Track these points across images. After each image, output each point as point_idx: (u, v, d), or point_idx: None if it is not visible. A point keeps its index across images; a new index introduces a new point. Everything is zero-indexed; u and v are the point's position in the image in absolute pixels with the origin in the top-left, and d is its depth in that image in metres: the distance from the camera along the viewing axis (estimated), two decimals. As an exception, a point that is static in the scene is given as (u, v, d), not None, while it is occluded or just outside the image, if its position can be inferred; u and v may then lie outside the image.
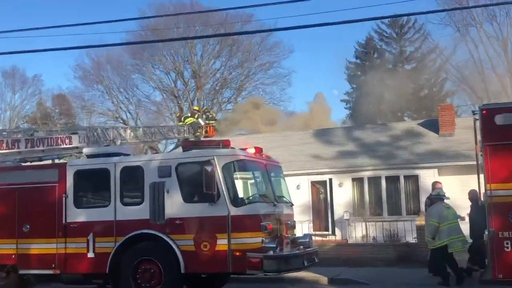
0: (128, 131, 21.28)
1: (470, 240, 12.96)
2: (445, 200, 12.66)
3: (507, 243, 9.90)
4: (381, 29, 47.59)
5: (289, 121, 37.93)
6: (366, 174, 21.58)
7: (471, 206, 13.07)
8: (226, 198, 10.67)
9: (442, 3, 38.92)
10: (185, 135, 25.97)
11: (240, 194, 10.91)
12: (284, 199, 12.57)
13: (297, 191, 21.57)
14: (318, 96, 42.81)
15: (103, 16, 61.21)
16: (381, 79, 45.34)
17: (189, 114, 28.21)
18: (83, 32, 56.54)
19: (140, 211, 11.28)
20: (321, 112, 37.81)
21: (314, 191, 22.52)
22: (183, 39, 43.47)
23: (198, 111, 29.28)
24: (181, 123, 27.03)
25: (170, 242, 10.87)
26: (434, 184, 14.07)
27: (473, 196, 13.03)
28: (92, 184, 12.23)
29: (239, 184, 11.02)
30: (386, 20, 46.61)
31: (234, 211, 10.61)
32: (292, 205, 12.89)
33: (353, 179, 21.80)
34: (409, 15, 39.44)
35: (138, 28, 42.98)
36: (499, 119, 10.09)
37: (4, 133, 15.75)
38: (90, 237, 11.56)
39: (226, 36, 42.24)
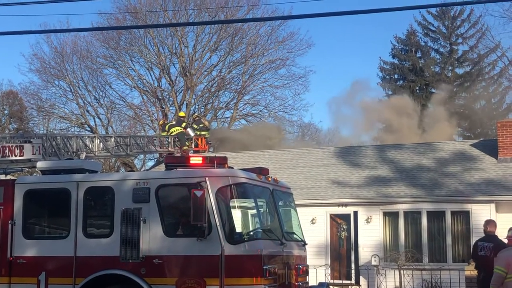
0: (96, 141, 21.38)
1: None
2: None
3: None
4: (426, 20, 47.81)
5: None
6: (402, 207, 21.52)
7: None
8: (219, 232, 10.66)
9: (506, -10, 39.00)
10: (169, 148, 26.05)
11: (238, 227, 10.91)
12: (295, 236, 12.54)
13: (312, 227, 21.53)
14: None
15: (69, -7, 61.57)
16: (425, 85, 45.47)
17: (174, 122, 28.31)
18: (43, 13, 57.02)
19: (108, 246, 11.28)
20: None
21: (334, 228, 22.46)
22: (171, 25, 43.64)
23: (184, 117, 29.39)
24: (164, 133, 27.11)
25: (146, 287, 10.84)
26: (487, 223, 13.97)
27: None
28: (47, 209, 12.24)
29: (236, 215, 11.02)
30: (433, 10, 46.85)
31: (229, 249, 10.60)
32: (305, 244, 12.86)
33: (385, 214, 21.74)
34: (463, 4, 39.61)
35: (113, 10, 43.33)
36: None
37: None
38: (42, 277, 11.54)
39: (226, 23, 42.43)
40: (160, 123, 32.74)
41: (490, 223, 14.02)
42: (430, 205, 21.26)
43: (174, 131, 26.70)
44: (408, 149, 25.90)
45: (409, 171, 23.51)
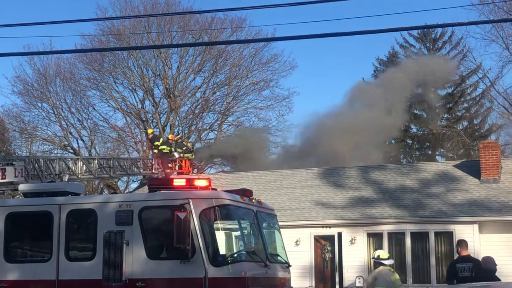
0: (79, 163, 21.28)
1: None
2: (387, 263, 13.03)
3: None
4: (408, 42, 48.24)
5: None
6: (386, 228, 21.55)
7: None
8: (203, 254, 10.61)
9: (487, 13, 39.52)
10: (153, 171, 25.99)
11: (222, 250, 10.87)
12: (279, 258, 12.52)
13: (296, 248, 21.48)
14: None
15: (52, 15, 61.84)
16: (407, 107, 45.76)
17: (172, 148, 28.24)
18: (25, 35, 56.92)
19: (91, 269, 11.20)
20: None
21: (318, 249, 22.43)
22: (154, 47, 43.71)
23: (173, 140, 29.32)
24: (160, 143, 27.12)
25: (129, 311, 10.77)
26: (460, 243, 13.87)
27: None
28: (29, 232, 12.15)
29: (220, 237, 10.98)
30: (415, 32, 47.30)
31: (213, 272, 10.55)
32: (289, 266, 12.83)
33: (369, 235, 21.76)
34: (444, 26, 40.02)
35: (97, 32, 43.34)
36: None
37: None
38: (24, 301, 11.42)
39: (210, 45, 42.57)
40: (173, 137, 32.06)
41: (460, 244, 14.00)
42: (413, 226, 21.30)
43: (165, 149, 26.68)
44: (391, 170, 25.99)
45: (393, 192, 23.58)
